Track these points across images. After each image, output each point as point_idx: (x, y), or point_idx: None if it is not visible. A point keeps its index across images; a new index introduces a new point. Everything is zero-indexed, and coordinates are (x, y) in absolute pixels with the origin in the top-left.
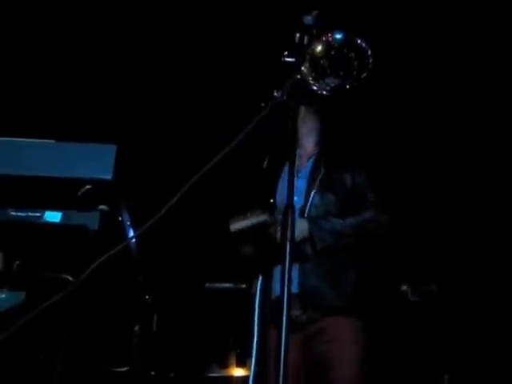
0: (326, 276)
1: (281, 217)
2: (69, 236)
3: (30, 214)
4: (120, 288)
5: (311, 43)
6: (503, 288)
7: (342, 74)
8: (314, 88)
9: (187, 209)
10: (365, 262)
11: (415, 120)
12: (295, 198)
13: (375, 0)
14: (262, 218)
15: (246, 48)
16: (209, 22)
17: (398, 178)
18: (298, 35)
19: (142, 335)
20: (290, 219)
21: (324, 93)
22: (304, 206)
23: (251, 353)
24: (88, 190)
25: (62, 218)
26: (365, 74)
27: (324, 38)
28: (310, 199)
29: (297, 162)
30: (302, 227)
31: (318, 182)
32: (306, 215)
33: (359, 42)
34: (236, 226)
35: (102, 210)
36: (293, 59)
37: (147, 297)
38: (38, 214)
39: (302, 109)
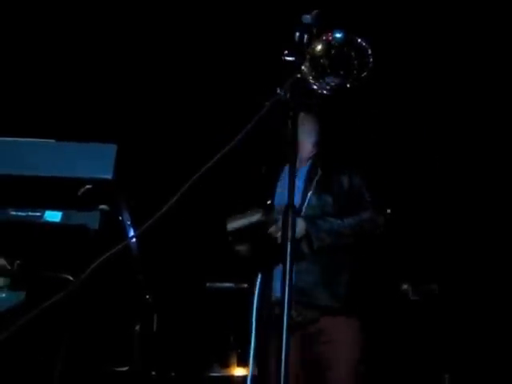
0: (320, 276)
1: (278, 216)
2: (69, 236)
3: (30, 213)
4: (120, 287)
5: (311, 42)
6: (504, 287)
7: (342, 73)
8: (315, 87)
9: (187, 208)
10: (360, 262)
11: (415, 119)
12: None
13: None
14: (259, 217)
15: (246, 47)
16: (209, 22)
17: (399, 177)
18: (297, 34)
19: (142, 335)
20: (290, 219)
21: (324, 92)
22: (300, 207)
23: (249, 354)
24: (88, 189)
25: (62, 217)
26: (365, 73)
27: (324, 37)
28: (307, 200)
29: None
30: (298, 226)
31: (314, 183)
32: (302, 215)
33: (359, 41)
34: (233, 225)
35: (102, 210)
36: (293, 58)
37: (148, 296)
38: (38, 214)
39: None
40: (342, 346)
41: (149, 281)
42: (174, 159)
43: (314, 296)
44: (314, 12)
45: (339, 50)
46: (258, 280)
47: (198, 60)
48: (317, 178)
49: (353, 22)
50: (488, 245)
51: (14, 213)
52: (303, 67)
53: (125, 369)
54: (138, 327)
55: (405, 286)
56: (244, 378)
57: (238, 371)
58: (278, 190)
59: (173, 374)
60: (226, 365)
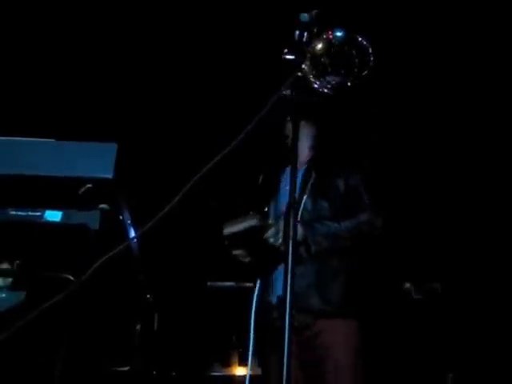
0: (314, 279)
1: (273, 221)
2: (69, 235)
3: (30, 213)
4: (121, 287)
5: (312, 41)
6: (507, 286)
7: (342, 71)
8: (315, 86)
9: (188, 208)
10: (359, 263)
11: (416, 118)
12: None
13: None
14: (254, 222)
15: (246, 47)
16: (209, 21)
17: (401, 176)
18: (297, 33)
19: (143, 334)
20: (291, 217)
21: (325, 91)
22: None
23: (248, 356)
24: (88, 188)
25: (63, 217)
26: (366, 72)
27: (325, 36)
28: (302, 204)
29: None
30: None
31: (309, 186)
32: (298, 220)
33: (360, 39)
34: (229, 229)
35: (102, 209)
36: (293, 57)
37: (148, 296)
38: (38, 214)
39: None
40: (338, 348)
41: (149, 280)
42: (174, 158)
43: (307, 300)
44: (314, 11)
45: (340, 48)
46: (257, 285)
47: (198, 59)
48: (311, 182)
49: (353, 20)
50: (490, 243)
51: (14, 212)
52: (304, 66)
53: (126, 368)
54: (138, 327)
55: (407, 285)
56: (245, 377)
57: (240, 370)
58: (281, 191)
59: (174, 373)
60: (228, 364)
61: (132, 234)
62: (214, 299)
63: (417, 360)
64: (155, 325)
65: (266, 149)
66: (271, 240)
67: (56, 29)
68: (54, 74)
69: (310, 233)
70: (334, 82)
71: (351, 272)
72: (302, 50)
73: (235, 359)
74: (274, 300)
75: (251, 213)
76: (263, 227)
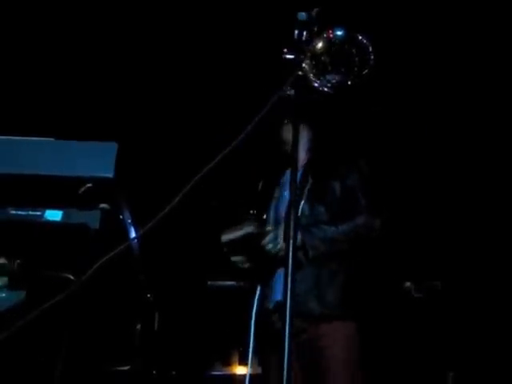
0: (314, 284)
1: (272, 227)
2: (69, 235)
3: (30, 212)
4: (121, 286)
5: (312, 40)
6: (508, 284)
7: (343, 70)
8: (315, 85)
9: (188, 207)
10: (355, 266)
11: (416, 117)
12: (285, 209)
13: None
14: (251, 229)
15: (246, 46)
16: (209, 20)
17: (401, 175)
18: (296, 32)
19: (143, 334)
20: (292, 216)
21: (325, 90)
22: None
23: (248, 357)
24: (89, 188)
25: (63, 216)
26: (366, 71)
27: (325, 35)
28: (300, 209)
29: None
30: None
31: (306, 191)
32: None
33: (360, 38)
34: (227, 237)
35: (102, 209)
36: (292, 56)
37: (149, 295)
38: (38, 213)
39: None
40: (337, 350)
41: (150, 280)
42: (174, 157)
43: (306, 305)
44: (315, 10)
45: (340, 47)
46: (258, 291)
47: (198, 59)
48: (308, 187)
49: (354, 19)
50: (491, 241)
51: (14, 212)
52: (304, 65)
53: (126, 368)
54: (139, 326)
55: (408, 284)
56: (245, 376)
57: (240, 369)
58: (273, 205)
59: (174, 372)
60: (228, 363)
61: (132, 233)
62: (214, 298)
63: (417, 358)
64: (155, 324)
65: (266, 153)
66: (269, 246)
67: (56, 28)
68: (54, 74)
69: (308, 238)
70: (334, 81)
71: (350, 274)
72: (301, 49)
73: (235, 358)
74: (271, 306)
75: (248, 220)
76: (260, 234)
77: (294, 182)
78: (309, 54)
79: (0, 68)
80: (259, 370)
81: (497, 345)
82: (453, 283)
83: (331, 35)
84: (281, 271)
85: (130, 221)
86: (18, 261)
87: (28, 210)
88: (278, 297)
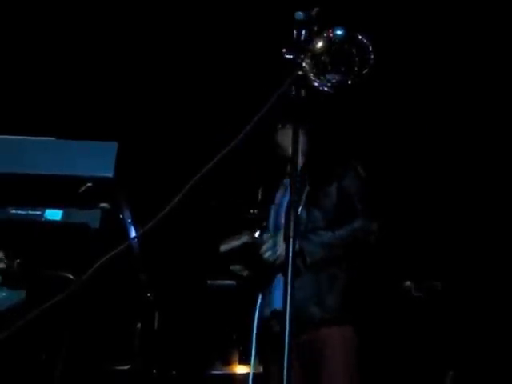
0: (313, 290)
1: (272, 235)
2: (70, 234)
3: (30, 212)
4: (122, 286)
5: (312, 39)
6: (507, 283)
7: (343, 70)
8: (315, 84)
9: (188, 206)
10: (354, 270)
11: (416, 117)
12: (284, 216)
13: None
14: (246, 239)
15: (246, 46)
16: (208, 21)
17: (400, 175)
18: (295, 31)
19: (143, 333)
20: (292, 216)
21: (325, 89)
22: None
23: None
24: (89, 187)
25: (63, 216)
26: (366, 70)
27: (325, 34)
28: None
29: (286, 178)
30: None
31: (303, 198)
32: None
33: (360, 37)
34: (225, 247)
35: (102, 208)
36: (292, 56)
37: (149, 294)
38: (38, 213)
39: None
40: (337, 352)
41: (150, 279)
42: (175, 157)
43: (305, 312)
44: (315, 9)
45: (340, 46)
46: (259, 300)
47: (198, 58)
48: (305, 194)
49: (354, 18)
50: (491, 241)
51: (14, 211)
52: (304, 64)
53: (126, 367)
54: (139, 325)
55: (407, 283)
56: (246, 375)
57: (240, 369)
58: (273, 213)
59: (174, 372)
60: (228, 362)
61: (132, 232)
62: (214, 298)
63: (417, 358)
64: (156, 323)
65: (264, 157)
66: (267, 254)
67: (56, 28)
68: (54, 73)
69: (305, 244)
70: (334, 81)
71: (349, 278)
72: (300, 48)
73: (236, 357)
74: (269, 313)
75: (248, 224)
76: (256, 244)
77: (294, 184)
78: (309, 54)
79: (0, 68)
80: (260, 369)
81: (497, 344)
82: (453, 283)
83: (331, 35)
84: (279, 278)
85: (130, 220)
86: (18, 260)
87: (28, 210)
88: (277, 304)
